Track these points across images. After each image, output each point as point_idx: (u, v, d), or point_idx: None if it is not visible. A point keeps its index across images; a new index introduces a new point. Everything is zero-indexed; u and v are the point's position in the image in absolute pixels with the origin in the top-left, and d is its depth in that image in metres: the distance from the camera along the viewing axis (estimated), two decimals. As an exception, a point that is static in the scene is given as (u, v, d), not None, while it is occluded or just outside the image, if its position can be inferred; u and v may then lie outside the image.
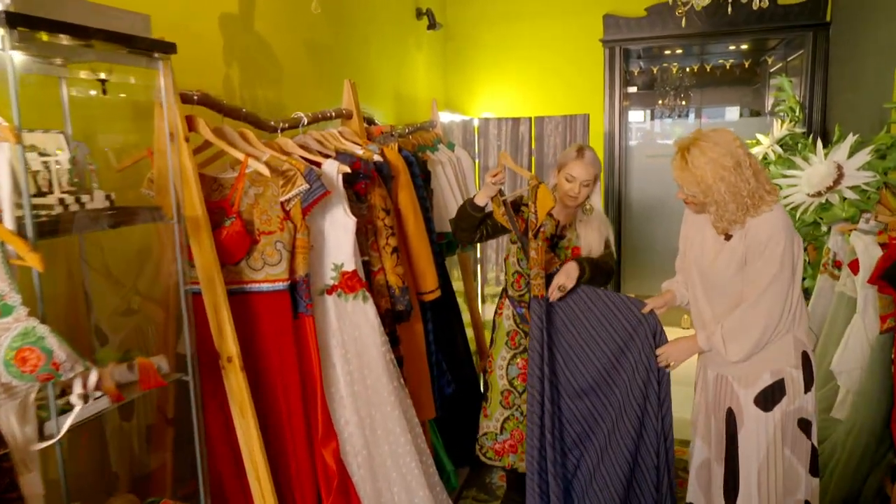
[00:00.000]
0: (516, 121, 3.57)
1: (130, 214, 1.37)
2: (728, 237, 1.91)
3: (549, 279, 2.24)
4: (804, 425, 1.88)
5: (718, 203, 1.83)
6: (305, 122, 2.12)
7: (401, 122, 3.48)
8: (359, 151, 2.25)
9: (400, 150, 2.63)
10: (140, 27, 1.30)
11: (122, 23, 1.26)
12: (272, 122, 1.91)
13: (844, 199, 2.83)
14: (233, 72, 2.32)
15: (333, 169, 1.92)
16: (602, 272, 2.31)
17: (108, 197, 1.38)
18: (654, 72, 5.55)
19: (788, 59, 4.71)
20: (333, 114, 2.33)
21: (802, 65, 4.15)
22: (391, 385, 1.97)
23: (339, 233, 1.93)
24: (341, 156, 2.08)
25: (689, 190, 1.87)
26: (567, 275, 2.21)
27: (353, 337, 1.94)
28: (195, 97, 1.59)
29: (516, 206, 2.42)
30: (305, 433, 1.78)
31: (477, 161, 3.61)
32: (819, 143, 3.07)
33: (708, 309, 1.97)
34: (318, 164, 1.95)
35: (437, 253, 2.78)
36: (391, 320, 2.23)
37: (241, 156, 1.64)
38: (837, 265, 2.85)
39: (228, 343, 1.58)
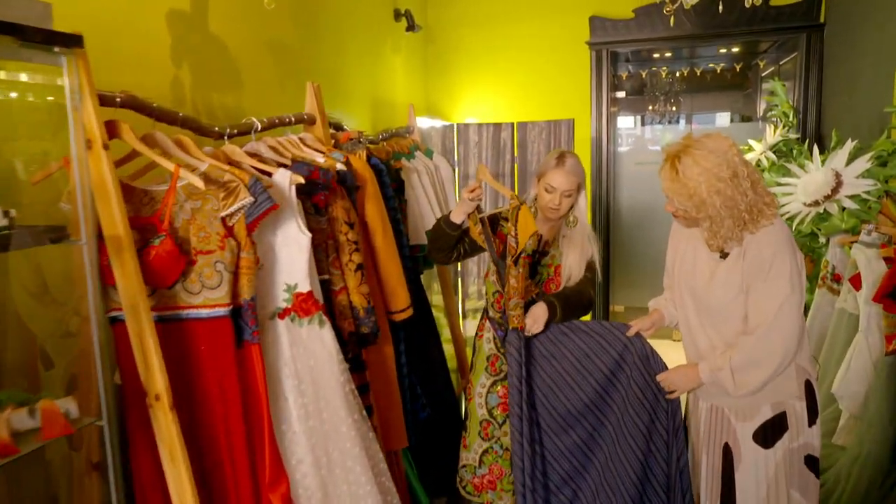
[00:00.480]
0: (498, 126, 3.40)
1: (26, 236, 1.17)
2: (723, 255, 1.73)
3: (529, 306, 2.07)
4: (812, 463, 1.70)
5: (713, 218, 1.64)
6: (259, 128, 1.93)
7: (377, 129, 3.31)
8: (320, 160, 2.06)
9: (369, 157, 2.44)
10: (36, 16, 1.11)
11: (11, 11, 1.07)
12: (216, 128, 1.72)
13: (843, 208, 2.67)
14: (183, 74, 2.13)
15: (286, 179, 1.73)
16: (576, 308, 2.12)
17: (6, 214, 1.18)
18: (644, 76, 5.40)
19: (781, 63, 4.56)
20: (293, 119, 2.14)
21: (795, 68, 4.00)
22: (351, 419, 1.77)
23: (292, 250, 1.74)
24: (297, 165, 1.89)
25: (679, 203, 1.69)
26: (534, 320, 2.04)
27: (307, 366, 1.75)
28: (118, 99, 1.40)
29: (494, 222, 2.24)
30: (250, 476, 1.58)
31: (456, 169, 3.43)
32: (816, 150, 2.91)
33: (703, 336, 1.78)
34: (270, 174, 1.76)
35: (409, 268, 2.59)
36: (355, 344, 2.04)
37: (171, 166, 1.45)
38: (836, 279, 2.68)
39: (155, 378, 1.39)
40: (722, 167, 1.60)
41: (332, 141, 2.50)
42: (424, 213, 2.88)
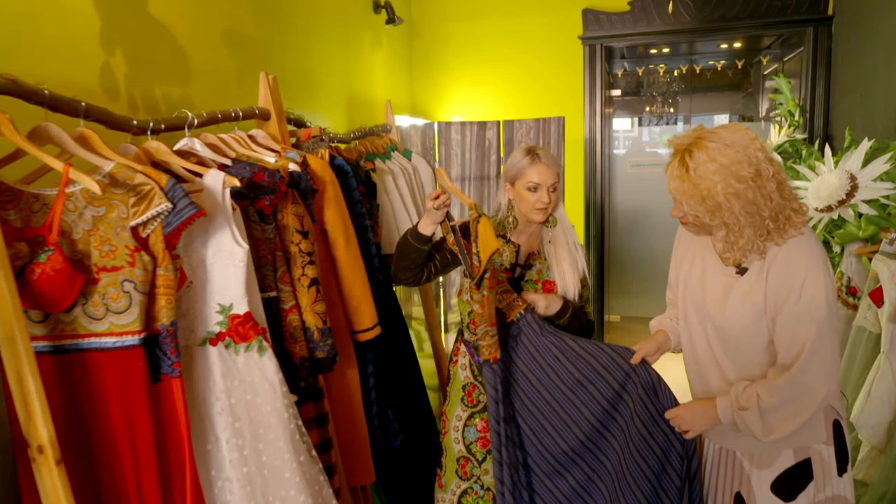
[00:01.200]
0: (482, 125, 3.14)
1: None
2: (741, 269, 1.46)
3: (508, 327, 1.81)
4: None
5: (730, 227, 1.38)
6: (196, 123, 1.67)
7: (354, 128, 3.05)
8: (269, 159, 1.81)
9: (333, 158, 2.19)
10: None
11: None
12: (136, 122, 1.46)
13: (860, 214, 2.42)
14: (115, 62, 1.87)
15: (218, 182, 1.48)
16: (580, 327, 1.88)
17: None
18: (640, 73, 5.16)
19: (785, 60, 4.33)
20: (241, 113, 1.88)
21: (801, 64, 3.76)
22: (296, 462, 1.51)
23: (225, 265, 1.48)
24: (238, 165, 1.64)
25: (689, 207, 1.41)
26: (547, 303, 1.79)
27: (244, 401, 1.49)
28: (-7, 84, 1.14)
29: (467, 231, 1.99)
30: (168, 538, 1.32)
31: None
32: (828, 150, 2.66)
33: (713, 366, 1.51)
34: (201, 176, 1.50)
35: (381, 280, 2.34)
36: (309, 371, 1.78)
37: (60, 165, 1.19)
38: (852, 292, 2.43)
39: (37, 427, 1.13)
40: (742, 164, 1.34)
41: (295, 139, 2.25)
42: (400, 218, 2.63)
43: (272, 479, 1.49)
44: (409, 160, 2.97)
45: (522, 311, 1.84)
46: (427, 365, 3.17)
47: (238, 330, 1.50)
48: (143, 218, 1.29)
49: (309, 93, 2.97)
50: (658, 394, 1.67)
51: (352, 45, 3.45)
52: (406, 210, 2.68)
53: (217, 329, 1.49)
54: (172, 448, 1.35)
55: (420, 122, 3.66)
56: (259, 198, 1.65)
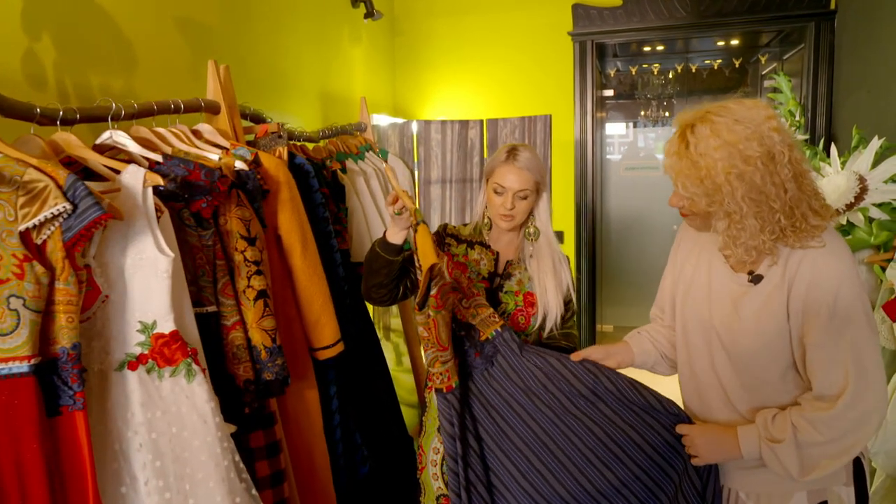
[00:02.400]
0: (464, 124, 2.95)
1: None
2: (754, 277, 1.26)
3: (482, 346, 1.59)
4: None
5: (731, 215, 1.18)
6: (122, 114, 1.47)
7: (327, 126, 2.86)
8: (213, 156, 1.61)
9: (293, 156, 1.99)
10: None
11: None
12: (39, 110, 1.25)
13: (871, 220, 2.22)
14: (41, 48, 1.67)
15: (138, 179, 1.27)
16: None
17: None
18: (633, 73, 4.97)
19: (784, 58, 4.15)
20: (182, 106, 1.68)
21: (802, 61, 3.58)
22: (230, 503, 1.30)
23: (147, 276, 1.28)
24: (171, 162, 1.44)
25: (685, 189, 1.22)
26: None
27: (168, 436, 1.28)
28: None
29: (442, 238, 1.80)
30: None
31: (416, 172, 2.98)
32: (834, 150, 2.47)
33: (716, 391, 1.30)
34: (119, 172, 1.30)
35: (346, 292, 2.13)
36: (255, 395, 1.57)
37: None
38: (862, 303, 2.23)
39: None
40: (751, 143, 1.14)
41: (253, 136, 2.05)
42: (372, 223, 2.43)
43: (201, 525, 1.28)
44: (385, 161, 2.77)
45: (499, 329, 1.63)
46: (406, 380, 2.96)
47: (163, 352, 1.29)
48: (35, 221, 1.08)
49: (277, 88, 2.78)
50: (626, 398, 1.45)
51: (327, 38, 3.25)
52: (380, 214, 2.48)
53: (138, 350, 1.28)
54: (74, 493, 1.14)
55: (398, 120, 3.46)
56: (194, 199, 1.45)
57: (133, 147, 1.44)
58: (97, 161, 1.34)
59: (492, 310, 1.66)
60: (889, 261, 1.98)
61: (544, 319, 1.70)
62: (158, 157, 1.45)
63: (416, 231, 1.50)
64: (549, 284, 1.68)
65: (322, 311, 1.83)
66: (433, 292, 1.47)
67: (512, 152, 1.68)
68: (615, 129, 5.48)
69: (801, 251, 1.20)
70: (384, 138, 3.10)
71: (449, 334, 1.54)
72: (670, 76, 5.07)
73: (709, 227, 1.31)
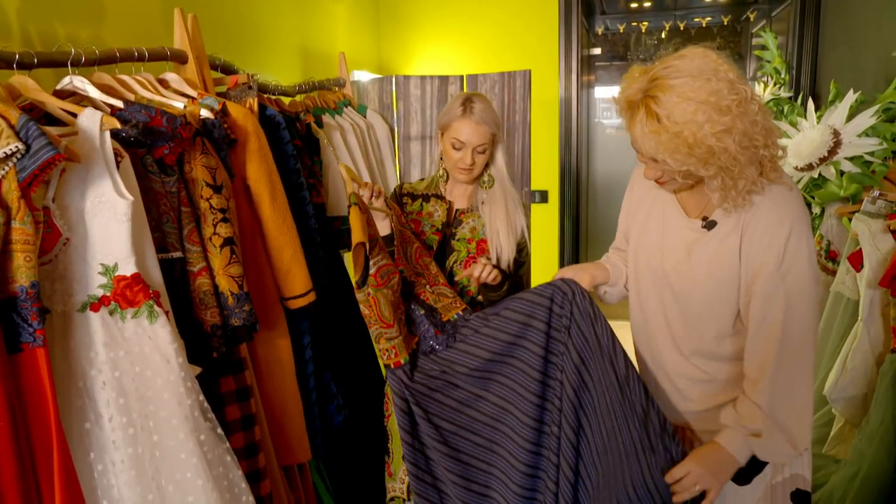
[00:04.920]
0: (444, 79, 2.93)
1: None
2: (708, 222, 1.25)
3: (443, 326, 1.62)
4: (802, 501, 1.28)
5: (728, 170, 1.15)
6: (83, 60, 1.46)
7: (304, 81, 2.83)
8: (178, 105, 1.61)
9: (264, 108, 1.99)
10: None
11: None
12: (-7, 51, 1.25)
13: (842, 172, 2.23)
14: (4, -6, 1.65)
15: (95, 123, 1.28)
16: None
17: None
18: (622, 30, 4.91)
19: (773, 14, 4.10)
20: (148, 54, 1.67)
21: (789, 18, 3.54)
22: (193, 441, 1.34)
23: (107, 219, 1.29)
24: (132, 108, 1.44)
25: (676, 162, 1.17)
26: (486, 271, 1.62)
27: (132, 374, 1.31)
28: None
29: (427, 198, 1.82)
30: (30, 530, 1.15)
31: (395, 129, 2.97)
32: (811, 105, 2.47)
33: (665, 336, 1.32)
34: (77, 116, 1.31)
35: (323, 244, 2.15)
36: (224, 340, 1.60)
37: None
38: (832, 256, 2.26)
39: None
40: (722, 92, 1.11)
41: (225, 88, 2.04)
42: (349, 178, 2.43)
43: (165, 460, 1.32)
44: (364, 116, 2.77)
45: (461, 312, 1.67)
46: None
47: (125, 293, 1.31)
48: (-13, 161, 1.09)
49: (255, 42, 2.75)
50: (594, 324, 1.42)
51: (307, -7, 3.21)
52: (356, 167, 2.48)
53: (100, 292, 1.31)
54: (37, 428, 1.17)
55: (375, 76, 3.44)
56: (157, 145, 1.46)
57: (94, 92, 1.44)
58: (55, 105, 1.34)
59: (455, 296, 1.70)
60: (857, 213, 1.99)
61: (497, 262, 1.73)
62: (120, 104, 1.45)
63: (348, 212, 1.52)
64: (500, 227, 1.70)
65: (292, 260, 1.85)
66: (372, 271, 1.51)
67: (467, 105, 1.68)
68: (608, 91, 5.44)
69: (765, 194, 1.20)
70: (364, 94, 3.08)
71: (393, 312, 1.57)
72: (662, 36, 5.01)
73: (686, 188, 1.30)
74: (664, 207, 1.36)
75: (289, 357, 1.90)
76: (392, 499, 1.96)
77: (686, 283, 1.29)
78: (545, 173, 3.78)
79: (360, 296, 1.55)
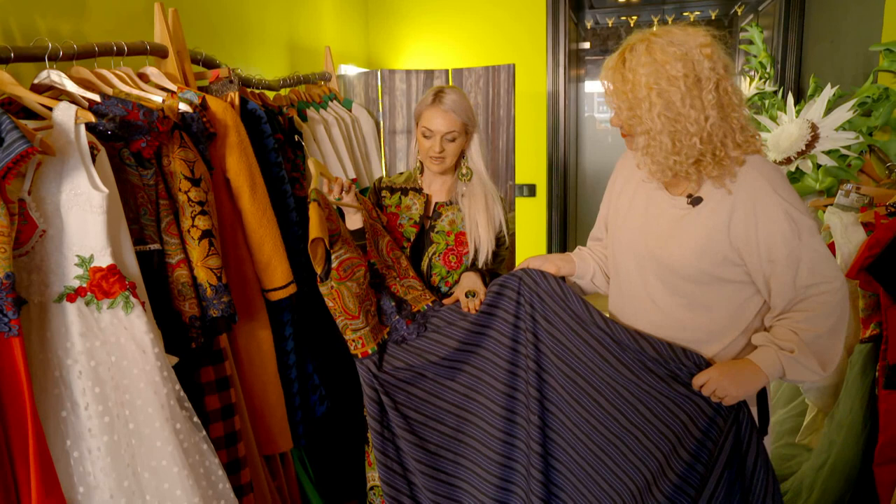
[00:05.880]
0: (429, 73, 2.95)
1: None
2: (693, 199, 1.31)
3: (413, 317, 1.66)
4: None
5: (649, 132, 1.25)
6: (60, 55, 1.48)
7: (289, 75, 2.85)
8: (156, 98, 1.63)
9: (246, 102, 2.01)
10: None
11: None
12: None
13: (819, 166, 2.26)
14: (-17, -13, 1.66)
15: (70, 116, 1.30)
16: None
17: None
18: (610, 24, 4.92)
19: (759, 8, 4.11)
20: (127, 48, 1.69)
21: (775, 12, 3.56)
22: (169, 429, 1.37)
23: (83, 212, 1.32)
24: (108, 101, 1.46)
25: (612, 102, 1.32)
26: (472, 282, 1.64)
27: (108, 364, 1.34)
28: None
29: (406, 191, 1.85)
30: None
31: (381, 122, 2.99)
32: (790, 99, 2.49)
33: (650, 315, 1.37)
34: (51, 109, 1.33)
35: (299, 236, 2.17)
36: (203, 331, 1.63)
37: None
38: (809, 249, 2.29)
39: None
40: (677, 63, 1.21)
41: (207, 81, 2.06)
42: (333, 171, 2.45)
43: (141, 448, 1.35)
44: (350, 110, 2.79)
45: (430, 304, 1.71)
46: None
47: (101, 285, 1.34)
48: (-40, 153, 1.12)
49: (241, 36, 2.76)
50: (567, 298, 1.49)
51: (293, -13, 3.22)
52: (340, 161, 2.50)
53: (76, 283, 1.33)
54: (12, 416, 1.20)
55: (367, 70, 3.45)
56: (133, 139, 1.48)
57: (71, 86, 1.46)
58: (32, 99, 1.36)
59: (424, 289, 1.74)
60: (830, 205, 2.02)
61: (476, 254, 1.76)
62: (97, 97, 1.47)
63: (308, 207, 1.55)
64: (479, 219, 1.74)
65: (273, 253, 1.88)
66: (334, 265, 1.54)
67: (438, 95, 1.71)
68: (598, 85, 5.46)
69: (743, 172, 1.27)
70: (350, 88, 3.10)
71: (359, 304, 1.60)
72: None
73: (663, 168, 1.36)
74: (648, 191, 1.40)
75: (270, 348, 1.92)
76: (372, 487, 1.99)
77: (674, 257, 1.33)
78: (533, 167, 3.80)
79: (323, 289, 1.59)
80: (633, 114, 1.26)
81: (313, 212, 1.53)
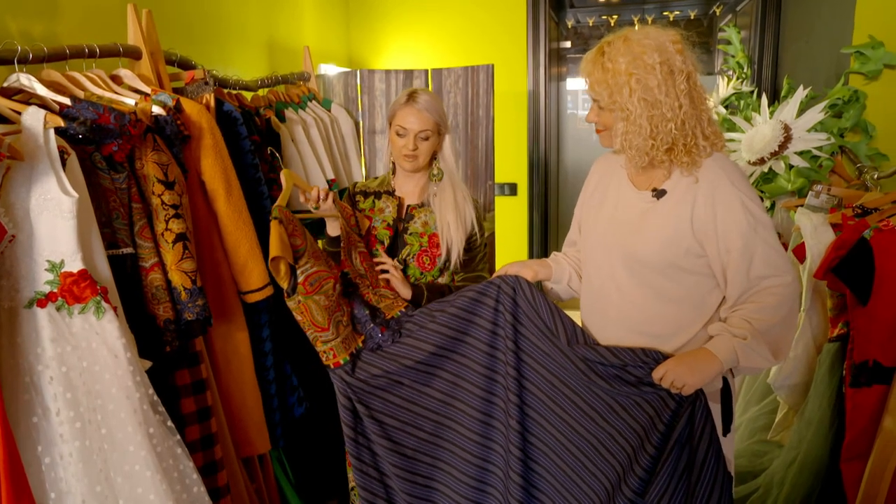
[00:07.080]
0: (409, 73, 2.95)
1: None
2: (657, 192, 1.38)
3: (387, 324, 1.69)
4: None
5: (628, 119, 1.33)
6: (30, 58, 1.47)
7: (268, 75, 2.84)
8: (129, 101, 1.62)
9: (221, 103, 2.00)
10: None
11: None
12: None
13: (791, 166, 2.30)
14: (-49, -12, 1.65)
15: (38, 121, 1.29)
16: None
17: None
18: (591, 23, 4.94)
19: (738, 8, 4.15)
20: (99, 50, 1.68)
21: (752, 12, 3.59)
22: (142, 434, 1.37)
23: (52, 217, 1.31)
24: (79, 105, 1.45)
25: (593, 90, 1.39)
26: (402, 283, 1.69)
27: (79, 369, 1.34)
28: None
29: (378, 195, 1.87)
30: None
31: (361, 122, 2.99)
32: (764, 100, 2.52)
33: (618, 323, 1.41)
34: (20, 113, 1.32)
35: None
36: (178, 335, 1.63)
37: None
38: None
39: None
40: (653, 53, 1.31)
41: (184, 82, 2.05)
42: (311, 171, 2.46)
43: (114, 453, 1.35)
44: (329, 111, 2.78)
45: (403, 310, 1.72)
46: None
47: (72, 290, 1.33)
48: (-74, 160, 1.11)
49: (218, 36, 2.75)
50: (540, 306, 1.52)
51: (273, -14, 3.20)
52: (319, 161, 2.50)
53: (47, 289, 1.32)
54: (-18, 423, 1.19)
55: (340, 70, 3.45)
56: (105, 142, 1.47)
57: (41, 90, 1.45)
58: (2, 104, 1.35)
59: (396, 296, 1.76)
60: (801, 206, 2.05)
61: (448, 254, 1.77)
62: (68, 101, 1.47)
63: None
64: (450, 218, 1.76)
65: (249, 255, 1.88)
66: (300, 280, 1.55)
67: (412, 95, 1.74)
68: (579, 84, 5.49)
69: (706, 165, 1.35)
70: (330, 88, 3.10)
71: (329, 316, 1.61)
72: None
73: (611, 143, 1.44)
74: (618, 188, 1.46)
75: (247, 350, 1.93)
76: (353, 487, 2.00)
77: (641, 249, 1.38)
78: (514, 166, 3.82)
79: (290, 304, 1.60)
80: (612, 100, 1.34)
81: (273, 230, 1.53)
